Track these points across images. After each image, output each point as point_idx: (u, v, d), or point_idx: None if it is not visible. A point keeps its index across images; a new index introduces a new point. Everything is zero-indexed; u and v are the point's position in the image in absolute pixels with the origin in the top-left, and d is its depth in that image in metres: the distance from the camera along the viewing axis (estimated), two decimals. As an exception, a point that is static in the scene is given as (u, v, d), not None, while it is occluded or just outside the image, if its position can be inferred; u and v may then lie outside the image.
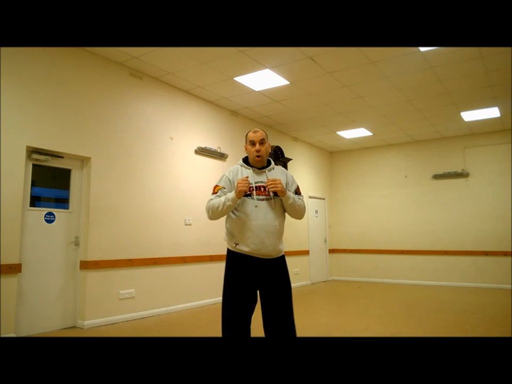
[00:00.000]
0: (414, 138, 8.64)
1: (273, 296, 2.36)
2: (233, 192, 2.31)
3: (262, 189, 2.38)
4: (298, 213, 2.46)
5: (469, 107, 6.60)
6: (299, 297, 6.60)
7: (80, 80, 4.52)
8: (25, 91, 4.02)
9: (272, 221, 2.35)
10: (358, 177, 9.53)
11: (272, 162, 2.55)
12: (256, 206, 2.34)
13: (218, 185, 2.46)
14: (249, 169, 2.46)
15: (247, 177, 2.33)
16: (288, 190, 2.44)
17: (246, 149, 2.51)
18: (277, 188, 2.30)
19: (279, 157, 7.63)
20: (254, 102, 6.36)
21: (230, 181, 2.45)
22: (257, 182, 2.41)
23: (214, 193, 2.43)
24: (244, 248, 2.38)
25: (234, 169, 2.50)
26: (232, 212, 2.40)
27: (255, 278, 2.37)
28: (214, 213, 2.39)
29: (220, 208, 2.33)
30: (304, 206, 2.50)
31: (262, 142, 2.43)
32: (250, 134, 2.47)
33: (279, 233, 2.40)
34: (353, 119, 7.28)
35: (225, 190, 2.43)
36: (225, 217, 2.48)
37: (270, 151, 2.56)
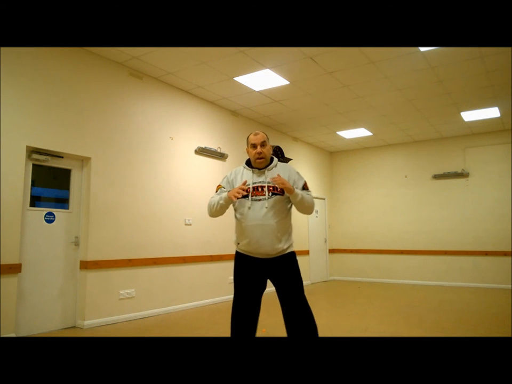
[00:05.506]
0: (414, 138, 8.64)
1: (282, 294, 2.42)
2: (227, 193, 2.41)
3: (260, 189, 2.42)
4: (307, 208, 2.47)
5: (469, 107, 6.60)
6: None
7: (80, 80, 4.52)
8: (25, 91, 4.02)
9: (268, 220, 2.36)
10: (358, 177, 9.52)
11: (275, 160, 2.58)
12: (249, 207, 2.39)
13: (220, 185, 2.59)
14: (250, 170, 2.52)
15: (243, 187, 2.35)
16: (296, 188, 2.46)
17: (247, 152, 2.57)
18: (284, 185, 2.32)
19: (279, 157, 7.63)
20: (254, 102, 6.36)
21: (229, 181, 2.56)
22: (255, 183, 2.45)
23: (216, 192, 2.57)
24: (243, 248, 2.47)
25: (236, 170, 2.59)
26: (235, 213, 2.50)
27: (259, 277, 2.44)
28: (210, 211, 2.52)
29: (215, 206, 2.47)
30: (313, 201, 2.51)
31: (263, 144, 2.49)
32: (251, 137, 2.52)
33: (277, 232, 2.39)
34: (353, 119, 7.28)
35: (224, 189, 2.53)
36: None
37: (271, 152, 2.62)
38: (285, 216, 2.47)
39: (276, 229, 2.38)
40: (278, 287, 2.43)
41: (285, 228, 2.45)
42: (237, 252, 2.53)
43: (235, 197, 2.31)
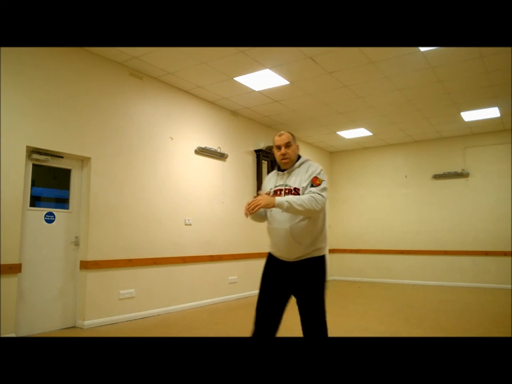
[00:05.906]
0: (414, 138, 8.64)
1: (299, 309, 2.34)
2: None
3: (279, 192, 2.37)
4: (305, 212, 2.22)
5: (469, 107, 6.60)
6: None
7: (80, 80, 4.52)
8: (25, 91, 4.02)
9: (283, 224, 2.30)
10: (358, 177, 9.52)
11: (300, 160, 2.47)
12: (269, 211, 2.39)
13: (258, 191, 2.59)
14: (276, 174, 2.51)
15: (246, 207, 2.28)
16: (302, 187, 2.34)
17: (274, 154, 2.51)
18: (258, 206, 2.20)
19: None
20: (254, 102, 6.36)
21: (264, 187, 2.57)
22: (277, 186, 2.42)
23: None
24: (270, 249, 2.48)
25: (269, 175, 2.60)
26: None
27: (283, 280, 2.38)
28: None
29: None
30: (309, 199, 2.21)
31: (287, 145, 2.40)
32: (276, 138, 2.44)
33: (292, 236, 2.29)
34: (353, 119, 7.28)
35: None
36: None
37: (297, 152, 2.50)
38: (306, 218, 2.30)
39: (291, 233, 2.29)
40: (296, 299, 2.35)
41: (306, 232, 2.31)
42: (268, 252, 2.52)
43: (245, 214, 2.31)
